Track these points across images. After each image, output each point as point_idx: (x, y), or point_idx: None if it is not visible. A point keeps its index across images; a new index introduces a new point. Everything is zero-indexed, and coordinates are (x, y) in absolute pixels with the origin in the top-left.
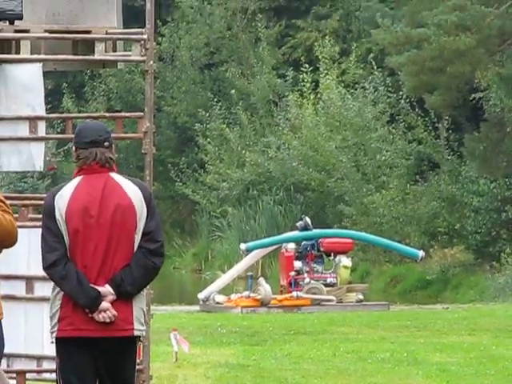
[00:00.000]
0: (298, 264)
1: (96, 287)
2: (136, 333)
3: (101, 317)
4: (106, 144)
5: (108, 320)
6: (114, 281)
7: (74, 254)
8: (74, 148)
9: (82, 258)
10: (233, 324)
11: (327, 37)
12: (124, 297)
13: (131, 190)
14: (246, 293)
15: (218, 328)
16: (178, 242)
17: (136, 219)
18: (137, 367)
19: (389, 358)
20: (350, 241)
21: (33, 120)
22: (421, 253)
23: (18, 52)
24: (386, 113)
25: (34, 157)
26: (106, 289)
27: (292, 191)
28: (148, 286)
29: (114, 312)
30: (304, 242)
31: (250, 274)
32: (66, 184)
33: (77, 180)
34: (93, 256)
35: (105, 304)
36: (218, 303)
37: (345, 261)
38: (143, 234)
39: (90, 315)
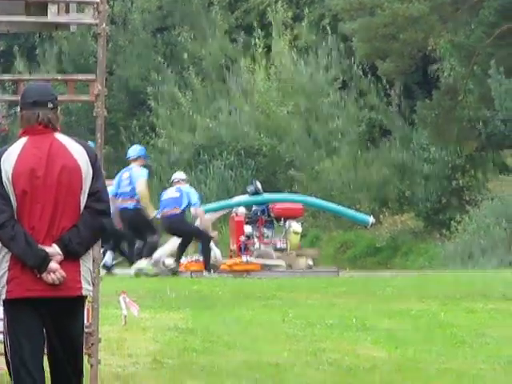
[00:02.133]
0: (248, 229)
1: (44, 248)
2: (84, 292)
3: (50, 278)
4: (50, 105)
5: (57, 282)
6: (61, 241)
7: (21, 215)
8: (19, 109)
9: (29, 220)
10: (182, 288)
11: (280, 2)
12: (72, 257)
13: (76, 151)
14: (196, 257)
15: (168, 292)
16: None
17: (82, 180)
18: (86, 330)
19: (337, 324)
20: (300, 206)
21: None
22: (371, 219)
23: None
24: (338, 79)
25: None
26: (54, 249)
27: (243, 156)
28: (97, 247)
29: (63, 273)
30: (254, 207)
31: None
32: (11, 146)
33: (22, 141)
34: (40, 217)
35: (53, 265)
36: (167, 267)
37: (295, 226)
38: (89, 195)
39: (38, 276)
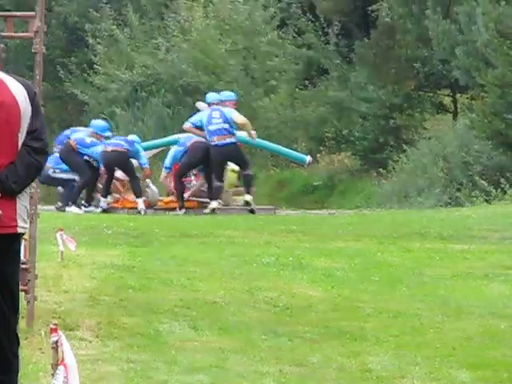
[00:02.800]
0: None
1: None
2: (20, 230)
3: None
4: None
5: None
6: None
7: None
8: None
9: None
10: (119, 225)
11: None
12: (8, 194)
13: (15, 88)
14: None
15: (104, 229)
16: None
17: (20, 117)
18: (22, 266)
19: (274, 262)
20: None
21: None
22: (308, 158)
23: None
24: (277, 17)
25: None
26: None
27: (181, 94)
28: (34, 185)
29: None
30: None
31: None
32: None
33: None
34: None
35: None
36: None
37: (232, 165)
38: (28, 133)
39: None
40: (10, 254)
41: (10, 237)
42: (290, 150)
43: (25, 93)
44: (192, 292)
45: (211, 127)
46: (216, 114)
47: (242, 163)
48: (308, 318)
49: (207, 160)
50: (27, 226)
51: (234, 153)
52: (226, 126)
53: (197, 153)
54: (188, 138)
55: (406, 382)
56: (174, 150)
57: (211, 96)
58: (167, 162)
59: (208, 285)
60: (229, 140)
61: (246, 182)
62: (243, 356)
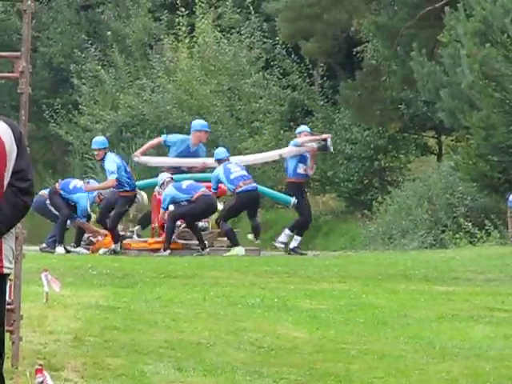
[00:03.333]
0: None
1: None
2: (6, 271)
3: None
4: None
5: None
6: None
7: None
8: None
9: None
10: (103, 266)
11: None
12: None
13: (1, 129)
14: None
15: (89, 269)
16: (50, 183)
17: (6, 157)
18: (8, 307)
19: (259, 304)
20: (222, 186)
21: None
22: (293, 199)
23: None
24: (262, 58)
25: None
26: None
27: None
28: (20, 226)
29: None
30: None
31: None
32: None
33: None
34: None
35: None
36: (90, 243)
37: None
38: (13, 173)
39: None
40: (1, 291)
41: None
42: (276, 192)
43: (11, 133)
44: (177, 333)
45: (233, 176)
46: (232, 165)
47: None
48: (293, 359)
49: (209, 213)
50: (13, 266)
51: (258, 197)
52: (245, 172)
53: (202, 205)
54: (194, 188)
55: None
56: (173, 192)
57: (221, 153)
58: (165, 203)
59: (193, 326)
60: (254, 185)
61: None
62: None
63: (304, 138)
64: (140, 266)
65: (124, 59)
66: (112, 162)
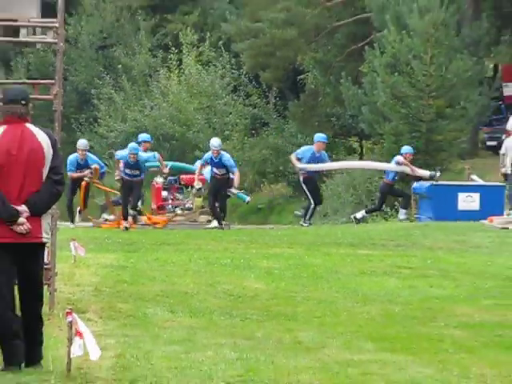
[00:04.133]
0: (164, 193)
1: (15, 207)
2: (44, 240)
3: (18, 229)
4: (23, 102)
5: (24, 232)
6: (28, 202)
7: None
8: (1, 104)
9: (5, 186)
10: (116, 237)
11: (189, 27)
12: (35, 214)
13: (41, 137)
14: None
15: (106, 239)
16: None
17: (44, 158)
18: (46, 267)
19: (229, 263)
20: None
21: None
22: (248, 198)
23: None
24: (231, 84)
25: None
26: (23, 208)
27: (161, 140)
28: (54, 207)
29: (29, 226)
30: (169, 177)
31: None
32: None
33: (1, 129)
34: (13, 185)
35: (22, 219)
36: (106, 220)
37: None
38: (50, 169)
39: (10, 227)
40: (36, 257)
41: (37, 245)
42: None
43: (48, 140)
44: (170, 285)
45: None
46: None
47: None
48: (254, 304)
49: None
50: (49, 236)
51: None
52: None
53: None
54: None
55: (326, 350)
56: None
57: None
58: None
59: (182, 280)
60: None
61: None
62: (207, 332)
63: (405, 167)
64: (143, 237)
65: (130, 85)
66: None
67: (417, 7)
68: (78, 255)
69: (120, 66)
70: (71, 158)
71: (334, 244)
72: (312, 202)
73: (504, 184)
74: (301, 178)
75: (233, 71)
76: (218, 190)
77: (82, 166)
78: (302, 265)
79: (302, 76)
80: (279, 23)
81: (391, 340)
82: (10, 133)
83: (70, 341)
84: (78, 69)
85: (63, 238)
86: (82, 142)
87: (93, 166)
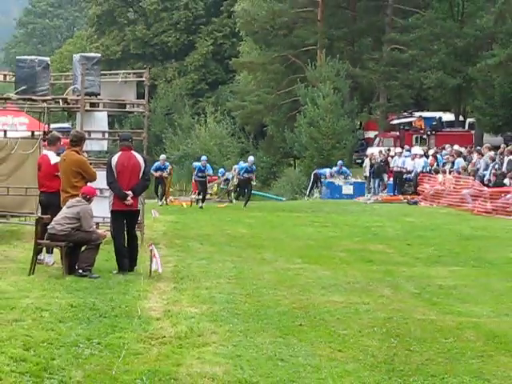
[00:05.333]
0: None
1: (125, 191)
2: (139, 208)
3: (127, 202)
4: (129, 140)
5: (129, 203)
6: (132, 189)
7: (118, 179)
8: (119, 141)
9: (121, 181)
10: (175, 207)
11: (210, 104)
12: (136, 195)
13: (138, 157)
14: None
15: (168, 208)
16: None
17: (140, 169)
18: (139, 222)
19: (230, 220)
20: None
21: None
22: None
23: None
24: (230, 132)
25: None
26: (129, 192)
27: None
28: (144, 194)
29: (132, 201)
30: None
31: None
32: (115, 154)
33: (119, 153)
34: (125, 180)
35: (129, 198)
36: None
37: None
38: (143, 173)
39: (123, 201)
40: (135, 216)
41: (136, 211)
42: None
43: (142, 159)
44: (200, 230)
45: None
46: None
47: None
48: (242, 240)
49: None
50: (141, 206)
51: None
52: None
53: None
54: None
55: (277, 263)
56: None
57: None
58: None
59: (206, 228)
60: None
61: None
62: (219, 254)
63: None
64: (189, 209)
65: (181, 133)
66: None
67: (322, 94)
68: (156, 216)
69: (176, 123)
70: (156, 164)
71: (281, 211)
72: None
73: (365, 181)
74: None
75: (232, 126)
76: (245, 186)
77: (162, 168)
78: (266, 221)
79: (265, 127)
80: (253, 102)
81: (309, 257)
82: (123, 155)
83: (151, 259)
84: (155, 125)
85: (147, 208)
86: (162, 156)
87: (168, 168)
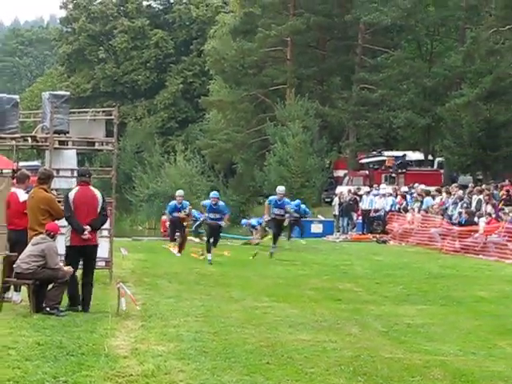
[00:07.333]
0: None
1: (83, 226)
2: (97, 242)
3: (84, 236)
4: (87, 175)
5: (86, 238)
6: (90, 224)
7: (76, 214)
8: (78, 177)
9: (79, 216)
10: (143, 245)
11: (180, 143)
12: (94, 229)
13: (97, 193)
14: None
15: (138, 246)
16: (122, 218)
17: (98, 204)
18: (107, 260)
19: (199, 259)
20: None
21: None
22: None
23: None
24: (199, 170)
25: None
26: (87, 227)
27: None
28: (109, 227)
29: (89, 235)
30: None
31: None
32: (73, 189)
33: (77, 188)
34: (83, 215)
35: (86, 232)
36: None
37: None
38: (101, 209)
39: (80, 235)
40: (94, 253)
41: (94, 246)
42: None
43: (99, 194)
44: (169, 269)
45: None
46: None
47: None
48: (211, 278)
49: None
50: (108, 246)
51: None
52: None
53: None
54: None
55: (245, 301)
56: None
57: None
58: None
59: (175, 267)
60: None
61: None
62: (187, 292)
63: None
64: (158, 247)
65: (151, 171)
66: None
67: (291, 133)
68: (125, 254)
69: (146, 161)
70: (171, 203)
71: (251, 249)
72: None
73: (334, 220)
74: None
75: (201, 164)
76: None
77: (178, 209)
78: (235, 260)
79: (235, 165)
80: (223, 141)
81: (278, 296)
82: (81, 190)
83: (119, 297)
84: (124, 163)
85: (116, 245)
86: (179, 192)
87: (188, 207)
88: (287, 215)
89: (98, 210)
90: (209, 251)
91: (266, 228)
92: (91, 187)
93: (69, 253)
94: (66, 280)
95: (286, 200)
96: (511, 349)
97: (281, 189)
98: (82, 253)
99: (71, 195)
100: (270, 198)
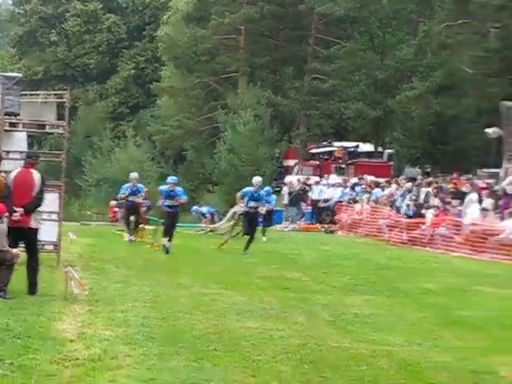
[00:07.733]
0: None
1: (16, 208)
2: (32, 225)
3: (14, 218)
4: (34, 158)
5: (16, 219)
6: (23, 206)
7: (14, 195)
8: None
9: (14, 198)
10: (91, 230)
11: (131, 128)
12: (26, 212)
13: (35, 176)
14: None
15: (87, 230)
16: (70, 202)
17: (34, 186)
18: (55, 243)
19: (145, 245)
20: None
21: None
22: None
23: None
24: (150, 156)
25: None
26: (19, 209)
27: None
28: (61, 215)
29: (21, 218)
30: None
31: None
32: (14, 171)
33: (19, 169)
34: (18, 198)
35: (18, 214)
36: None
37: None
38: (37, 193)
39: (13, 217)
40: (31, 237)
41: (29, 229)
42: None
43: (38, 178)
44: (117, 254)
45: None
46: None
47: None
48: (160, 265)
49: None
50: (36, 223)
51: None
52: None
53: None
54: None
55: (193, 288)
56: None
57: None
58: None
59: (122, 253)
60: None
61: None
62: (135, 278)
63: None
64: (107, 232)
65: (101, 155)
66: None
67: (242, 121)
68: (73, 238)
69: (96, 146)
70: (124, 186)
71: (201, 235)
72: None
73: (283, 209)
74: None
75: (152, 150)
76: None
77: (133, 192)
78: (184, 246)
79: (185, 152)
80: (174, 127)
81: (226, 283)
82: (21, 172)
83: (67, 281)
84: (74, 147)
85: (65, 230)
86: (132, 175)
87: (143, 191)
88: (261, 208)
89: (35, 194)
90: (165, 236)
91: (238, 221)
92: (32, 170)
93: (8, 234)
94: (13, 262)
95: (263, 192)
96: (456, 340)
97: (257, 179)
98: (19, 235)
99: (11, 176)
100: (245, 189)
